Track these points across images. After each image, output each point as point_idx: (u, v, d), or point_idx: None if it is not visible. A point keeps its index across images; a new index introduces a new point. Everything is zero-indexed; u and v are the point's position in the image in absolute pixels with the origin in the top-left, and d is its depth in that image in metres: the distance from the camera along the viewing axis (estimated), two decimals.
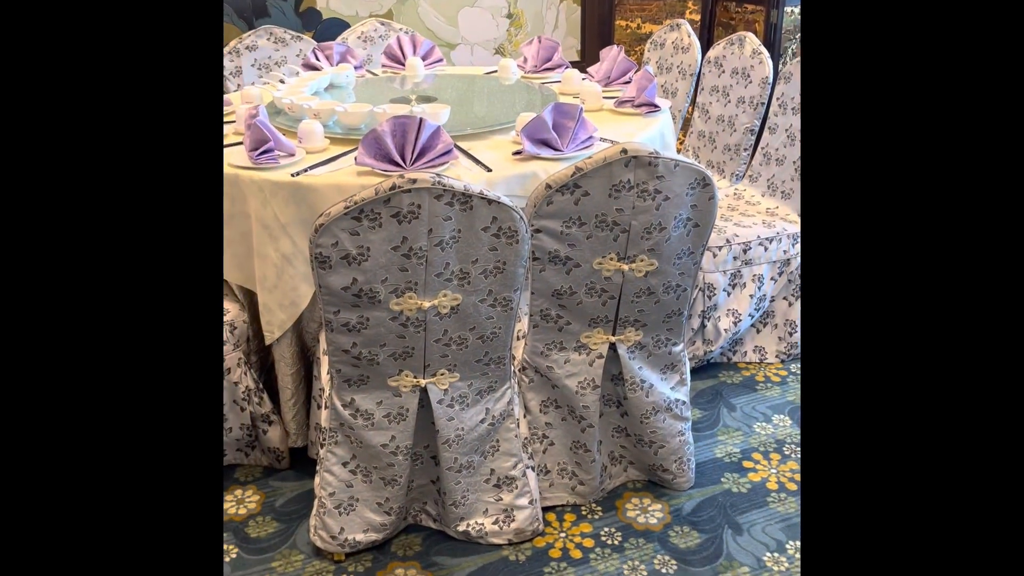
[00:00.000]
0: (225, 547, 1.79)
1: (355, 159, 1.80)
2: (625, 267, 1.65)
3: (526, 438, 1.80)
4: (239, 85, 3.01)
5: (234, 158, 1.88)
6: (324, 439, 1.70)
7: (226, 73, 3.00)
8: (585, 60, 3.87)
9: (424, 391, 1.65)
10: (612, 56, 2.50)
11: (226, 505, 1.92)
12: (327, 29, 3.35)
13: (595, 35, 3.85)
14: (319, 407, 1.95)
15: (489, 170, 1.82)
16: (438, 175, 1.42)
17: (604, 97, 2.33)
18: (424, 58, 2.82)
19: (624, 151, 1.51)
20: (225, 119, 2.25)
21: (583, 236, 1.60)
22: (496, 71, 2.74)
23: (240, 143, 1.97)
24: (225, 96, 2.43)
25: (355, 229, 1.43)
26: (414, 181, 1.40)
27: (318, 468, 1.72)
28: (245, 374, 1.93)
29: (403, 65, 2.80)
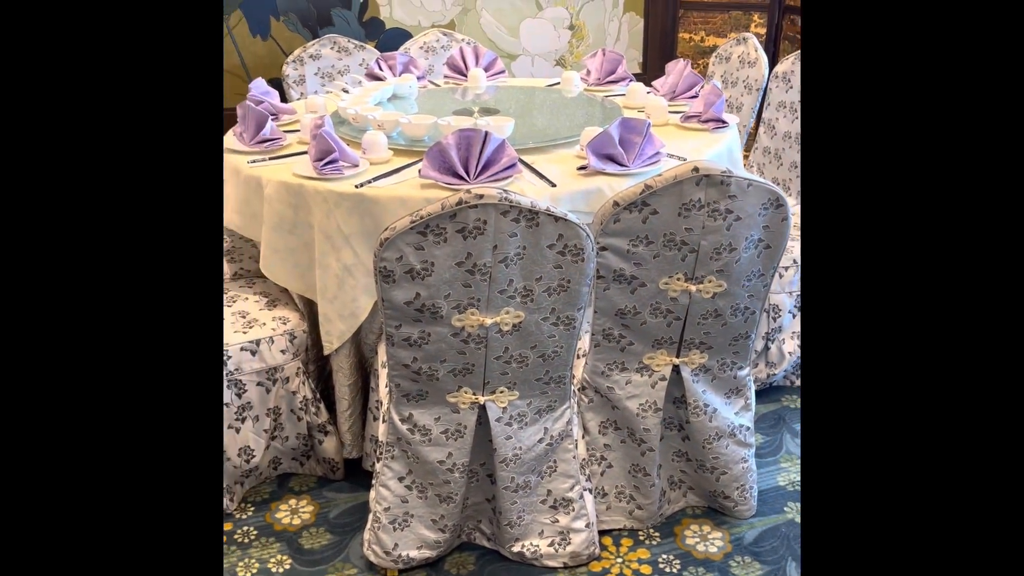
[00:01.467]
0: (278, 558, 1.79)
1: (419, 171, 1.79)
2: (693, 288, 1.60)
3: (584, 459, 1.76)
4: (302, 94, 3.04)
5: (299, 167, 1.88)
6: (380, 453, 1.68)
7: (290, 82, 3.03)
8: (647, 73, 3.82)
9: (483, 408, 1.62)
10: (678, 70, 2.46)
11: (280, 515, 1.92)
12: (390, 39, 3.36)
13: (657, 47, 3.81)
14: (375, 419, 1.94)
15: (553, 185, 1.79)
16: (505, 191, 1.40)
17: (670, 112, 2.28)
18: (486, 69, 2.81)
19: (696, 169, 1.47)
20: (289, 127, 2.27)
21: (650, 255, 1.56)
22: (558, 83, 2.72)
23: (305, 152, 1.97)
24: (289, 104, 2.45)
25: (420, 244, 1.41)
26: (481, 196, 1.38)
27: (373, 482, 1.71)
28: (303, 384, 1.93)
29: (465, 76, 2.79)
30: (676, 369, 1.72)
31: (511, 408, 1.64)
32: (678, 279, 1.60)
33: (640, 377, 1.73)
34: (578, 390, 1.75)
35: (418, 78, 2.71)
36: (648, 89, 2.48)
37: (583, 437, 1.77)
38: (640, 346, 1.69)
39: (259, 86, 2.37)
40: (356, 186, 1.79)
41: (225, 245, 2.37)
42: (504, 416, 1.63)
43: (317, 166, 1.84)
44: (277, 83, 3.22)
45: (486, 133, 1.75)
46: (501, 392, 1.61)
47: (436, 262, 1.43)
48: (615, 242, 1.55)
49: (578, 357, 1.77)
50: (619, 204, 1.51)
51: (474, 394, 1.61)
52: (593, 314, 1.65)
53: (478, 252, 1.43)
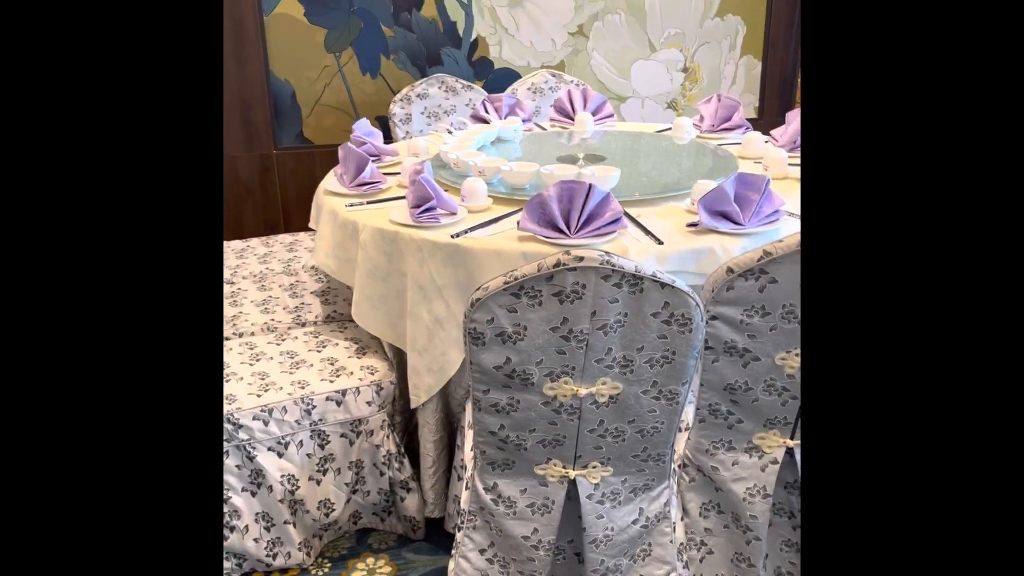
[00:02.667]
0: None
1: (518, 223, 1.70)
2: None
3: (682, 544, 1.61)
4: (408, 132, 3.03)
5: (395, 214, 1.83)
6: (463, 522, 1.58)
7: (396, 120, 3.02)
8: (763, 118, 3.65)
9: (573, 483, 1.50)
10: (800, 119, 2.29)
11: (357, 574, 1.84)
12: (498, 79, 3.32)
13: (776, 92, 3.63)
14: (459, 479, 1.84)
15: (660, 242, 1.66)
16: (607, 253, 1.29)
17: (790, 164, 2.12)
18: (594, 113, 2.72)
19: None
20: (391, 170, 2.23)
21: (766, 327, 1.42)
22: (669, 129, 2.60)
23: (403, 197, 1.92)
24: (392, 145, 2.42)
25: (513, 306, 1.31)
26: (581, 259, 1.27)
27: (453, 552, 1.60)
28: (388, 437, 1.86)
29: (572, 119, 2.70)
30: (790, 452, 1.55)
31: (604, 485, 1.51)
32: (796, 355, 1.44)
33: (749, 458, 1.57)
34: (679, 467, 1.61)
35: (524, 120, 2.64)
36: (766, 138, 2.33)
37: (682, 519, 1.62)
38: (750, 424, 1.54)
39: (362, 127, 2.35)
40: (452, 236, 1.71)
41: (320, 286, 2.35)
42: (596, 493, 1.50)
43: (414, 213, 1.78)
44: (384, 120, 3.23)
45: (590, 186, 1.65)
46: (594, 467, 1.49)
47: (529, 326, 1.33)
48: (727, 311, 1.41)
49: (680, 431, 1.62)
50: (733, 271, 1.37)
51: (564, 467, 1.49)
52: (699, 387, 1.51)
53: (575, 317, 1.32)
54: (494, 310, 1.32)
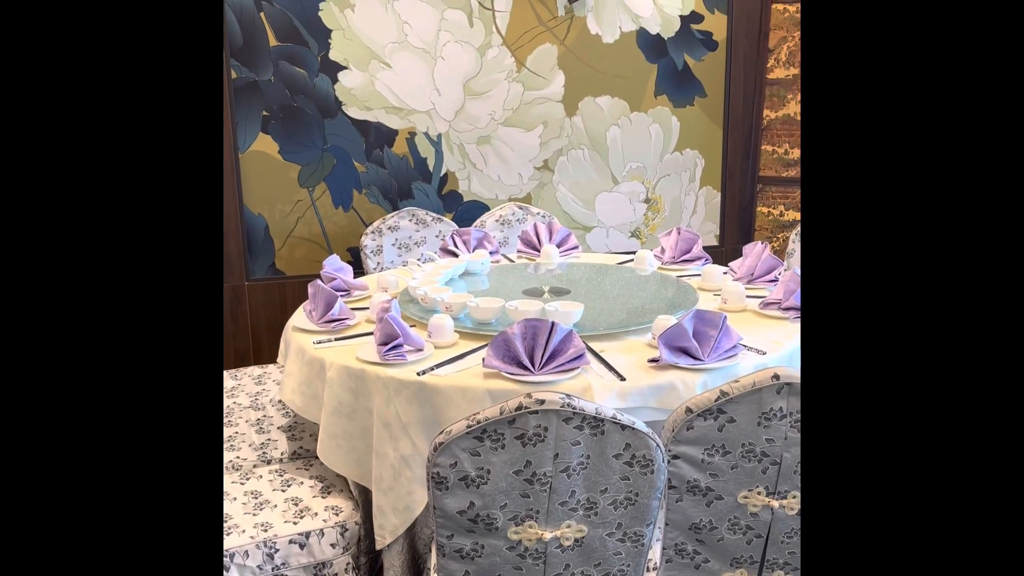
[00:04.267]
0: None
1: (483, 360, 1.73)
2: (775, 503, 1.45)
3: None
4: (379, 263, 3.09)
5: (363, 352, 1.85)
6: None
7: (367, 251, 3.09)
8: (723, 245, 3.77)
9: None
10: (756, 252, 2.39)
11: None
12: (467, 211, 3.43)
13: (735, 221, 3.77)
14: None
15: (623, 379, 1.69)
16: (568, 396, 1.31)
17: (748, 296, 2.19)
18: (559, 245, 2.81)
19: (776, 376, 1.36)
20: (360, 305, 2.26)
21: (727, 466, 1.43)
22: (631, 260, 2.68)
23: (371, 333, 1.95)
24: (362, 279, 2.47)
25: (476, 449, 1.32)
26: (542, 402, 1.29)
27: None
28: None
29: (538, 251, 2.78)
30: None
31: None
32: (758, 493, 1.45)
33: None
34: None
35: (491, 252, 2.71)
36: (724, 270, 2.41)
37: None
38: (717, 564, 1.53)
39: (332, 263, 2.40)
40: (418, 373, 1.73)
41: (287, 421, 2.33)
42: None
43: (381, 351, 1.80)
44: (356, 251, 3.29)
45: (552, 324, 1.69)
46: None
47: (493, 469, 1.34)
48: (688, 451, 1.42)
49: (648, 571, 1.61)
50: (692, 411, 1.40)
51: None
52: (665, 526, 1.51)
53: (538, 460, 1.33)
54: (457, 454, 1.33)
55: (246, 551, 1.73)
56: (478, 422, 1.31)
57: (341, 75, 3.19)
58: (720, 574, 1.53)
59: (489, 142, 3.40)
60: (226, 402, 2.49)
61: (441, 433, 1.34)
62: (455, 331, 1.94)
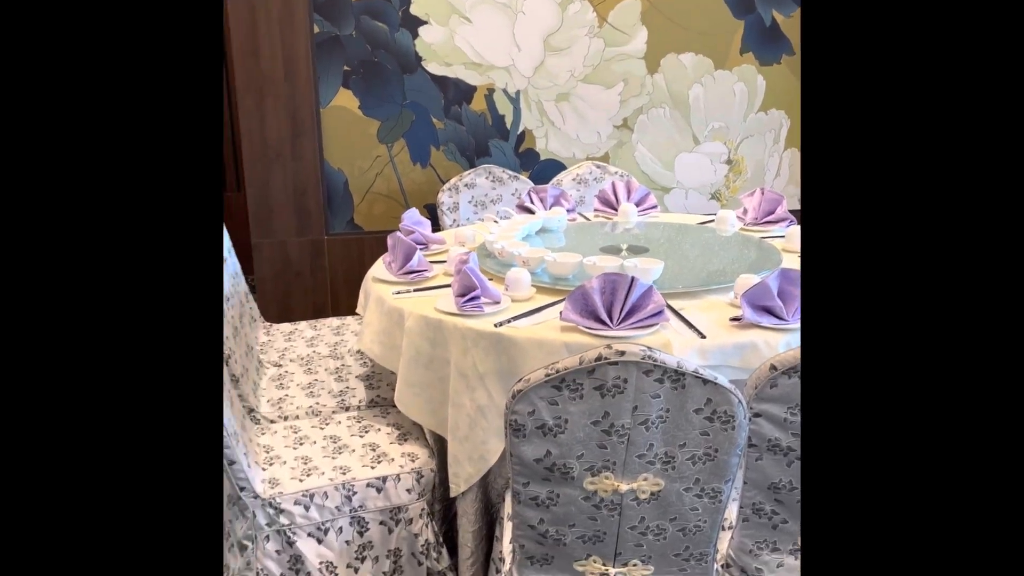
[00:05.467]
0: None
1: (560, 313, 1.72)
2: None
3: None
4: (455, 220, 3.10)
5: (441, 303, 1.86)
6: None
7: (444, 208, 3.10)
8: None
9: None
10: (756, 197, 2.30)
11: None
12: (543, 170, 3.40)
13: None
14: (497, 572, 1.81)
15: (703, 336, 1.66)
16: (649, 348, 1.29)
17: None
18: (638, 204, 2.76)
19: None
20: (437, 258, 2.28)
21: None
22: (712, 220, 2.62)
23: (449, 286, 1.96)
24: (439, 234, 2.48)
25: (554, 398, 1.32)
26: (622, 353, 1.28)
27: None
28: (427, 526, 1.85)
29: (616, 210, 2.75)
30: None
31: None
32: None
33: (794, 560, 1.52)
34: (721, 567, 1.57)
35: (568, 211, 2.69)
36: None
37: None
38: (795, 524, 1.50)
39: (411, 216, 2.41)
40: (495, 325, 1.74)
41: (364, 371, 2.38)
42: None
43: (459, 302, 1.81)
44: (432, 208, 3.31)
45: (632, 278, 1.67)
46: (634, 565, 1.46)
47: (570, 419, 1.33)
48: (771, 409, 1.39)
49: (724, 529, 1.59)
50: (776, 368, 1.37)
51: (604, 564, 1.46)
52: (743, 485, 1.48)
53: (616, 412, 1.32)
54: (535, 402, 1.33)
55: (325, 492, 1.77)
56: (557, 371, 1.31)
57: (421, 30, 3.18)
58: (799, 535, 1.51)
59: (568, 99, 3.35)
60: (306, 351, 2.55)
61: (520, 381, 1.34)
62: (532, 285, 1.94)
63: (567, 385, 1.31)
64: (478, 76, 3.27)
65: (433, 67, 3.22)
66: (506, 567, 1.56)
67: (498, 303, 1.84)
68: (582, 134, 3.41)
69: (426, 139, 3.30)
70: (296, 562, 1.76)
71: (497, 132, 3.35)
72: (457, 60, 3.23)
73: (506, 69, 3.27)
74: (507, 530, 1.64)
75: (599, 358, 1.29)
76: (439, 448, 1.95)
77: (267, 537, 1.74)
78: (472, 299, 1.81)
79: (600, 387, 1.31)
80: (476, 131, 3.33)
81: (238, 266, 2.53)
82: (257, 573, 1.74)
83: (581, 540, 1.44)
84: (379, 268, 2.20)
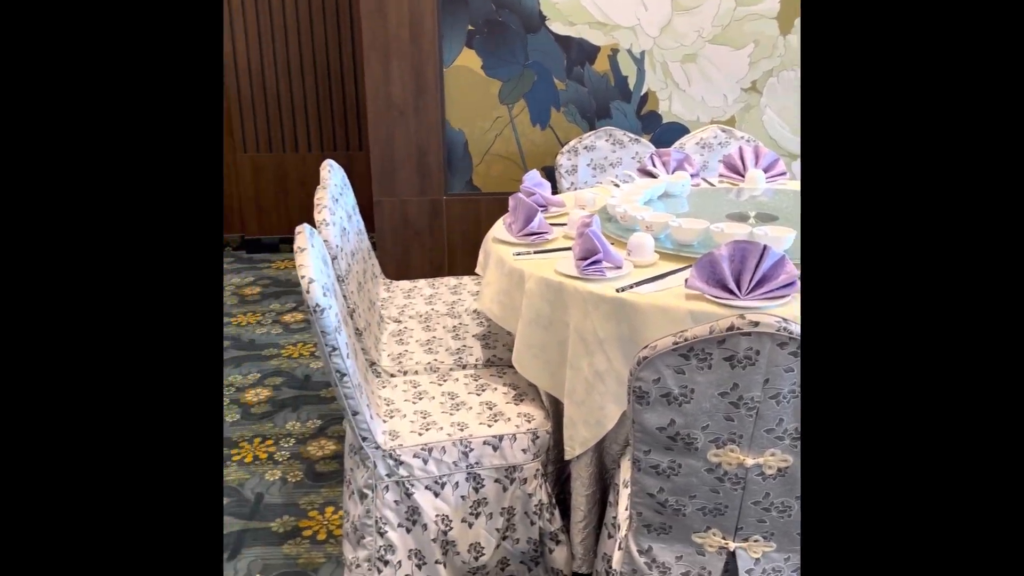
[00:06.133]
0: None
1: (685, 281, 1.68)
2: None
3: None
4: (573, 183, 3.07)
5: (561, 265, 1.85)
6: None
7: (562, 171, 3.08)
8: None
9: (732, 556, 1.44)
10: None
11: None
12: (665, 133, 3.32)
13: None
14: (610, 537, 1.81)
15: None
16: (784, 319, 1.24)
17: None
18: (766, 170, 2.65)
19: None
20: (557, 221, 2.26)
21: None
22: None
23: (569, 249, 1.94)
24: (559, 196, 2.46)
25: (681, 367, 1.29)
26: (756, 324, 1.23)
27: None
28: (540, 487, 1.86)
29: (742, 176, 2.65)
30: None
31: (765, 561, 1.44)
32: None
33: None
34: None
35: (692, 176, 2.61)
36: None
37: None
38: None
39: (532, 177, 2.40)
40: (617, 290, 1.71)
41: (481, 330, 2.40)
42: (756, 568, 1.44)
43: (580, 265, 1.80)
44: (550, 171, 3.29)
45: (764, 247, 1.60)
46: (756, 541, 1.42)
47: (697, 389, 1.30)
48: None
49: None
50: None
51: (724, 538, 1.43)
52: None
53: (746, 384, 1.28)
54: (661, 370, 1.30)
55: (443, 447, 1.81)
56: (685, 339, 1.27)
57: None
58: None
59: (694, 60, 3.25)
60: (424, 308, 2.59)
61: (646, 348, 1.31)
62: (655, 251, 1.90)
63: (695, 354, 1.28)
64: (602, 36, 3.20)
65: (557, 26, 3.18)
66: (621, 533, 1.55)
67: (620, 268, 1.81)
68: (708, 97, 3.30)
69: (547, 100, 3.27)
70: (413, 513, 1.81)
71: (619, 94, 3.28)
72: (582, 19, 3.18)
73: (631, 29, 3.19)
74: (623, 496, 1.63)
75: (731, 328, 1.24)
76: (555, 410, 1.95)
77: (386, 487, 1.79)
78: (594, 263, 1.79)
79: (730, 358, 1.27)
80: (598, 92, 3.27)
81: (362, 223, 2.59)
82: (376, 521, 1.80)
83: (701, 512, 1.41)
84: (499, 229, 2.20)
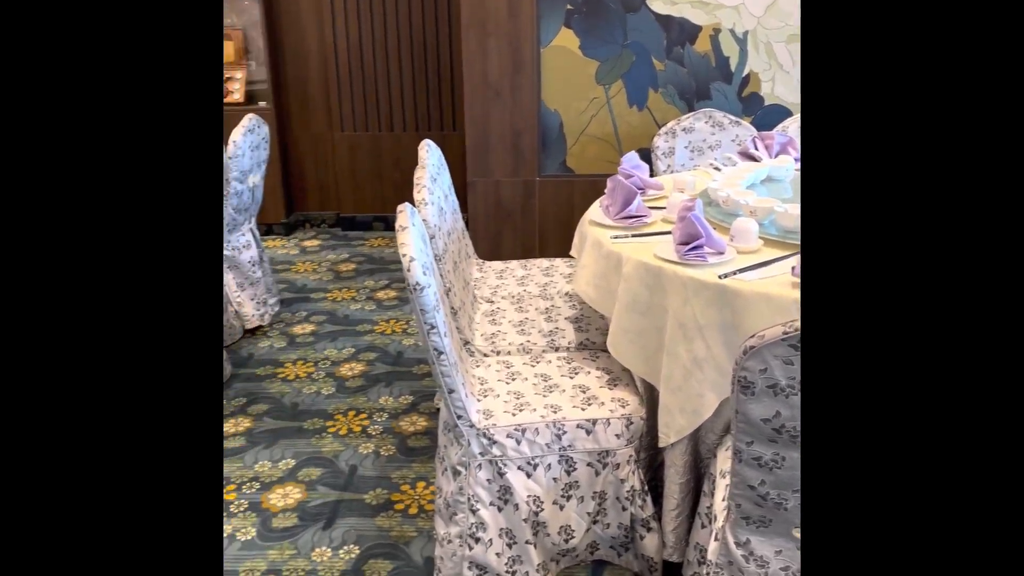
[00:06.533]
0: None
1: (792, 268, 1.62)
2: None
3: None
4: (670, 166, 3.01)
5: (660, 249, 1.82)
6: (708, 573, 1.52)
7: (659, 153, 3.02)
8: None
9: None
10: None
11: None
12: (767, 115, 3.22)
13: None
14: (703, 527, 1.78)
15: None
16: None
17: None
18: None
19: None
20: (655, 204, 2.22)
21: None
22: None
23: (668, 232, 1.91)
24: (657, 179, 2.42)
25: (790, 358, 1.25)
26: None
27: None
28: (633, 473, 1.84)
29: None
30: None
31: None
32: None
33: None
34: None
35: (796, 160, 2.53)
36: None
37: None
38: None
39: (631, 159, 2.36)
40: (720, 276, 1.67)
41: (574, 313, 2.39)
42: None
43: (681, 250, 1.76)
44: (646, 153, 3.24)
45: None
46: None
47: None
48: None
49: None
50: None
51: None
52: None
53: None
54: (768, 360, 1.26)
55: (536, 428, 1.81)
56: (796, 330, 1.23)
57: None
58: None
59: (800, 41, 3.13)
60: (517, 289, 2.60)
61: (753, 337, 1.28)
62: (759, 237, 1.84)
63: None
64: (704, 15, 3.12)
65: (658, 5, 3.11)
66: (717, 524, 1.52)
67: (722, 254, 1.77)
68: None
69: (645, 81, 3.21)
70: (505, 493, 1.82)
71: (720, 75, 3.19)
72: None
73: (735, 8, 3.10)
74: (720, 487, 1.60)
75: None
76: (649, 396, 1.93)
77: (479, 466, 1.81)
78: (696, 248, 1.75)
79: None
80: (698, 73, 3.20)
81: (457, 203, 2.60)
82: (469, 499, 1.81)
83: None
84: (596, 211, 2.18)
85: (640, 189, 2.28)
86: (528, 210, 3.39)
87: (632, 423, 1.85)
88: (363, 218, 4.61)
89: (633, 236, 1.99)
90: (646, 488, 1.87)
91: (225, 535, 2.12)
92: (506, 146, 3.31)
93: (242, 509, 2.22)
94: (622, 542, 1.90)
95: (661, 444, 1.83)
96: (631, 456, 1.84)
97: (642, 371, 1.89)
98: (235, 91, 4.29)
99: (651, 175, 2.98)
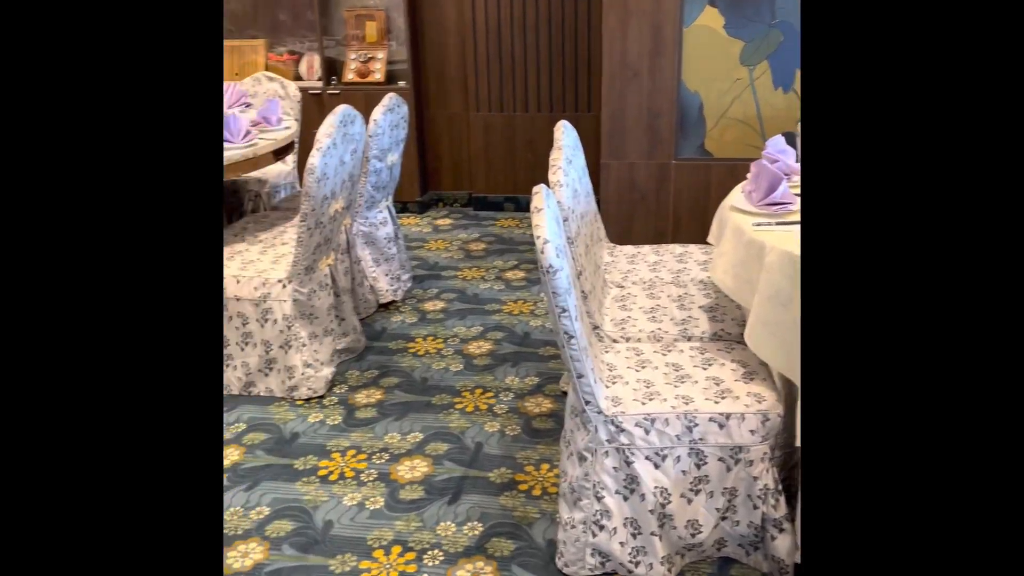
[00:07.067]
0: None
1: None
2: None
3: None
4: None
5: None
6: None
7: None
8: None
9: None
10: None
11: None
12: None
13: None
14: None
15: None
16: None
17: None
18: None
19: None
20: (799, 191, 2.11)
21: None
22: None
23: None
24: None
25: None
26: None
27: None
28: (767, 471, 1.77)
29: None
30: None
31: None
32: None
33: None
34: None
35: None
36: None
37: None
38: None
39: (776, 144, 2.26)
40: None
41: (708, 302, 2.31)
42: None
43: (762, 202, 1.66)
44: (790, 138, 3.09)
45: None
46: None
47: None
48: None
49: None
50: None
51: None
52: None
53: None
54: None
55: (666, 419, 1.76)
56: None
57: None
58: None
59: None
60: (648, 275, 2.54)
61: None
62: None
63: None
64: None
65: None
66: None
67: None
68: None
69: (792, 62, 3.06)
70: (632, 482, 1.79)
71: None
72: None
73: None
74: None
75: None
76: (787, 392, 1.84)
77: (606, 453, 1.78)
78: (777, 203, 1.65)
79: None
80: None
81: (591, 185, 2.57)
82: (594, 485, 1.79)
83: None
84: (737, 197, 2.09)
85: (786, 175, 2.18)
86: (662, 194, 3.31)
87: (768, 419, 1.77)
88: (494, 198, 4.65)
89: (777, 224, 1.90)
90: (780, 487, 1.80)
91: (355, 503, 2.19)
92: (642, 128, 3.24)
93: (372, 479, 2.29)
94: (751, 541, 1.84)
95: (797, 443, 1.75)
96: (765, 454, 1.77)
97: (781, 366, 1.80)
98: (376, 71, 4.39)
99: (798, 160, 2.85)
